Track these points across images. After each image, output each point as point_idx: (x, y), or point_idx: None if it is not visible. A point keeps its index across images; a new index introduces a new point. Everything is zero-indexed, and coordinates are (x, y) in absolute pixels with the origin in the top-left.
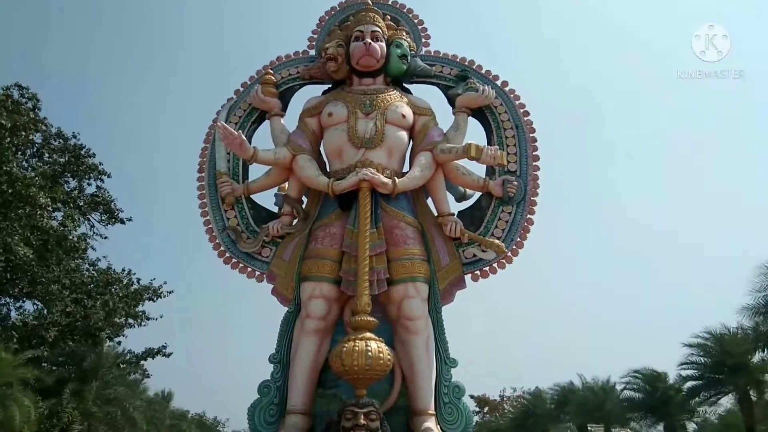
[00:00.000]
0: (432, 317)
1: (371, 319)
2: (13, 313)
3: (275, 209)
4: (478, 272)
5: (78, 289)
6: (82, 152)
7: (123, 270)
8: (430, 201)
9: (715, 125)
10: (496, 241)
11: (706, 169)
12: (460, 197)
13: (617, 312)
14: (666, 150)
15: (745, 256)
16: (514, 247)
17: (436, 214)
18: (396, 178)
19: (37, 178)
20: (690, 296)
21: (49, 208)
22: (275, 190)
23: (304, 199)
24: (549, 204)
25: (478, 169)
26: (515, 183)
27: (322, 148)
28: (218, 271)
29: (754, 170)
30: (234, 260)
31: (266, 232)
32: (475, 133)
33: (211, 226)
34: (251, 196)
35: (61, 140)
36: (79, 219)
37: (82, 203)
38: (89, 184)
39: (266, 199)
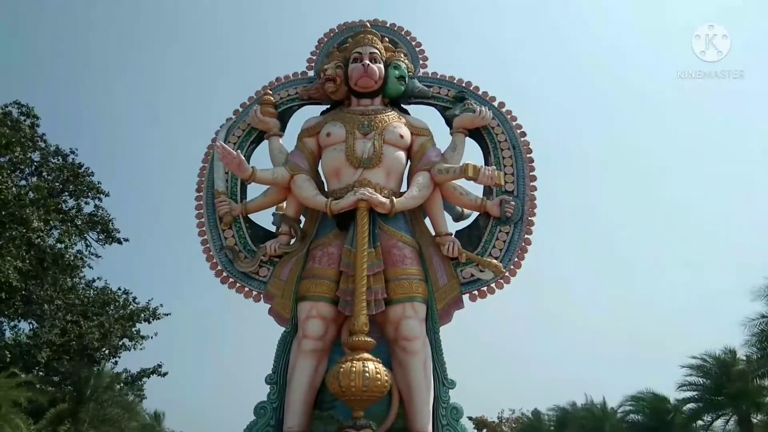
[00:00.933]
0: (430, 338)
1: (369, 339)
2: (7, 333)
3: (273, 229)
4: (476, 292)
5: (73, 309)
6: (81, 171)
7: (119, 289)
8: (427, 221)
9: (716, 127)
10: (494, 261)
11: (707, 172)
12: (458, 217)
13: (618, 315)
14: (666, 152)
15: (745, 258)
16: (511, 267)
17: (433, 233)
18: (394, 198)
19: (30, 193)
20: (691, 298)
21: (45, 228)
22: (273, 209)
23: (302, 218)
24: (547, 220)
25: (476, 189)
26: (512, 203)
27: (320, 168)
28: (216, 290)
29: (753, 174)
30: (231, 280)
31: (264, 252)
32: (472, 153)
33: (208, 245)
34: (249, 215)
35: (59, 158)
36: (75, 237)
37: (79, 222)
38: (87, 203)
39: (264, 219)
